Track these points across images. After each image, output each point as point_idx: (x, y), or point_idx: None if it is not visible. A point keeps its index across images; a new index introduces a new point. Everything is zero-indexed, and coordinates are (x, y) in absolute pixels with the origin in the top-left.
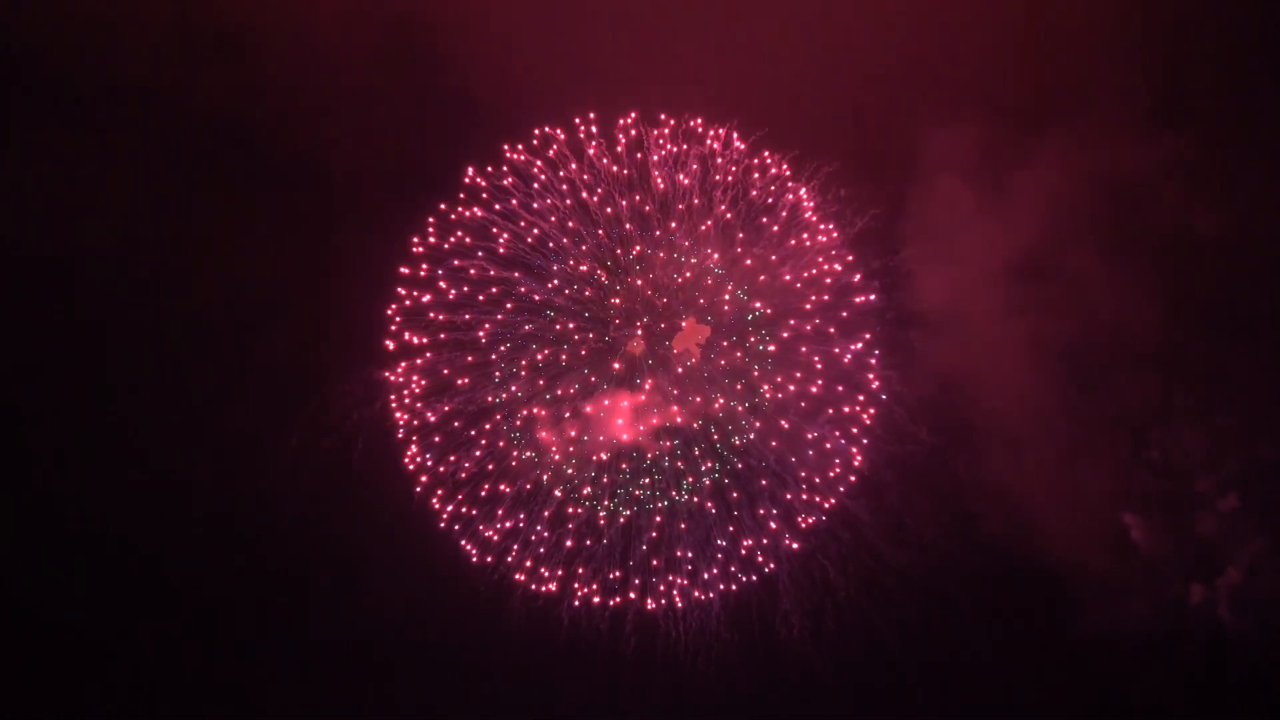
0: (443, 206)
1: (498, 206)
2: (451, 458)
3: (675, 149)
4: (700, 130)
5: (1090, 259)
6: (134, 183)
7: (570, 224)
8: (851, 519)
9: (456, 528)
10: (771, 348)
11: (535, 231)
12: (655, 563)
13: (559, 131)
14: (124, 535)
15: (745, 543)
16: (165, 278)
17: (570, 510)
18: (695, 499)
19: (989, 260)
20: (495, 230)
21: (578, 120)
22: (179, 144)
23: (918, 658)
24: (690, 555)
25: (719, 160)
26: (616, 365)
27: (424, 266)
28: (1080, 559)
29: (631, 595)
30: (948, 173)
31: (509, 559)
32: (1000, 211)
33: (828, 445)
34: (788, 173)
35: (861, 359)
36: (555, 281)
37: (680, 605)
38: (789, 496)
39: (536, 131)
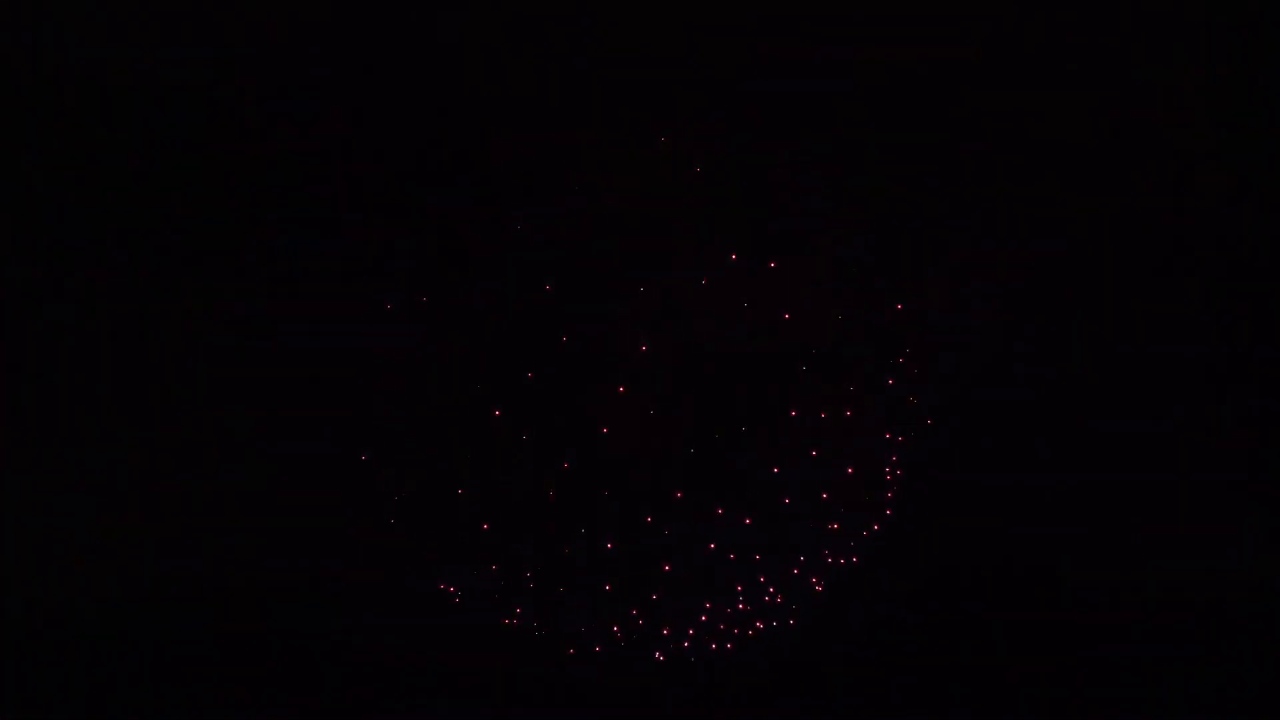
0: (420, 212)
1: (477, 210)
2: (431, 484)
3: (679, 144)
4: (707, 125)
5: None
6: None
7: (562, 227)
8: (885, 557)
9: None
10: (795, 364)
11: (522, 227)
12: (656, 598)
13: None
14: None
15: (762, 582)
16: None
17: (564, 545)
18: (706, 533)
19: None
20: (478, 235)
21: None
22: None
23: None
24: (701, 596)
25: (728, 158)
26: (620, 388)
27: (400, 273)
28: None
29: (635, 638)
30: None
31: (495, 599)
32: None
33: (854, 473)
34: (811, 169)
35: (898, 379)
36: (549, 287)
37: (692, 657)
38: (813, 526)
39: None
